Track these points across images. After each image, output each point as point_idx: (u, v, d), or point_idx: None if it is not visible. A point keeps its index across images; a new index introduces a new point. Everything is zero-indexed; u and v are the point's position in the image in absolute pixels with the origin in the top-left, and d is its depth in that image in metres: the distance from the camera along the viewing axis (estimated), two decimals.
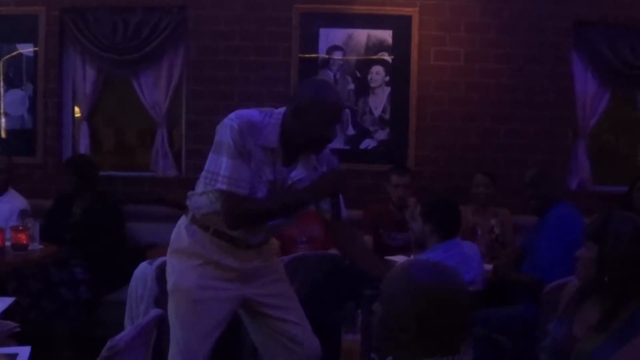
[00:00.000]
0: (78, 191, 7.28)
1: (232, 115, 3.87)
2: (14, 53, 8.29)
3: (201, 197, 4.01)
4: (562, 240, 5.60)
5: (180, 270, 4.06)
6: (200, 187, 4.06)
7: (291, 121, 3.89)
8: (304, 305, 4.50)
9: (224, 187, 3.77)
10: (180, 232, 4.11)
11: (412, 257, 6.07)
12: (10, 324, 3.60)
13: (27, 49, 8.26)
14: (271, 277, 4.25)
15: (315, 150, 4.03)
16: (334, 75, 7.94)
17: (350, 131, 7.98)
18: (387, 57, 7.96)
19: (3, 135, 8.38)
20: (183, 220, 4.15)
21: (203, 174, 3.96)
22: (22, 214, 6.75)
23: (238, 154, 3.77)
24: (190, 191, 4.15)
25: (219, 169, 3.79)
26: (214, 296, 4.03)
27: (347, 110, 7.92)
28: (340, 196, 4.09)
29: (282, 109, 3.97)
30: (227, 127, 3.80)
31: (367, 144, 8.02)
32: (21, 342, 3.54)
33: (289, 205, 3.99)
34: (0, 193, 7.10)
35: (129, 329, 2.82)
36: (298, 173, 4.03)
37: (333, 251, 6.74)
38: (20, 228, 6.31)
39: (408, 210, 6.99)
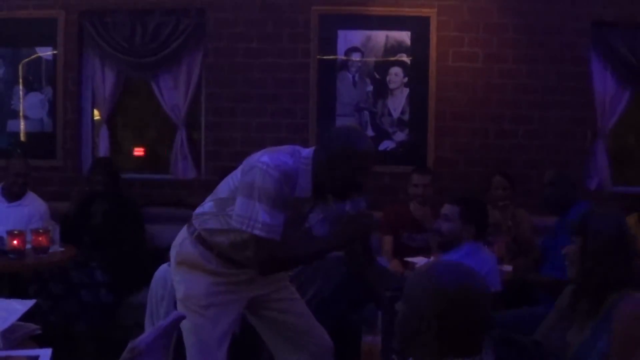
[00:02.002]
0: (101, 193, 7.31)
1: (266, 161, 3.81)
2: (34, 56, 8.32)
3: (214, 219, 4.03)
4: None
5: (188, 279, 4.07)
6: (211, 208, 4.06)
7: (323, 169, 3.89)
8: (324, 307, 4.52)
9: (262, 234, 3.74)
10: (185, 246, 4.11)
11: (432, 259, 6.07)
12: (31, 326, 3.62)
13: (46, 52, 8.29)
14: (275, 275, 4.26)
15: (344, 197, 4.03)
16: (353, 77, 7.94)
17: (369, 133, 7.95)
18: (406, 59, 7.96)
19: (23, 138, 8.42)
20: (187, 235, 4.13)
21: (226, 199, 3.96)
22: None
23: (278, 204, 3.76)
24: (198, 211, 4.14)
25: (257, 215, 3.74)
26: (223, 300, 4.05)
27: (366, 112, 7.94)
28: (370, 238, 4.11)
29: (309, 151, 3.96)
30: (266, 175, 3.76)
31: (386, 145, 8.02)
32: (42, 345, 3.55)
33: (319, 253, 4.05)
34: (19, 196, 7.12)
35: (149, 331, 2.82)
36: (315, 216, 4.08)
37: None
38: (41, 231, 6.33)
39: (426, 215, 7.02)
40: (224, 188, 4.02)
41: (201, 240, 4.05)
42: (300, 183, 3.87)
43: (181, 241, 4.15)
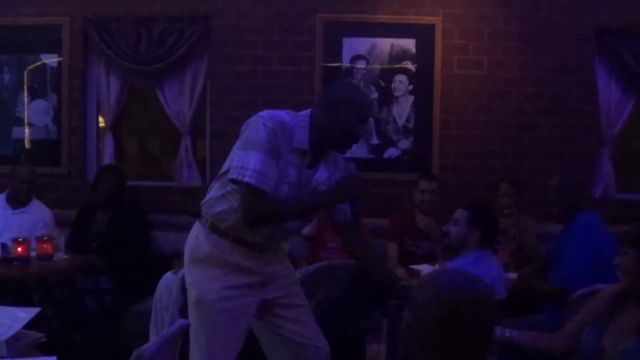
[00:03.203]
0: (107, 200, 7.33)
1: (263, 114, 3.88)
2: (38, 63, 8.33)
3: (220, 202, 4.01)
4: (586, 249, 5.59)
5: (202, 281, 4.03)
6: (217, 189, 4.06)
7: (322, 118, 3.93)
8: (330, 314, 4.51)
9: (252, 181, 3.73)
10: (199, 240, 4.07)
11: (437, 266, 6.07)
12: (36, 334, 3.62)
13: (51, 60, 8.30)
14: (285, 280, 4.26)
15: (342, 148, 4.07)
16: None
17: (375, 140, 7.98)
18: (411, 66, 7.96)
19: (28, 145, 8.42)
20: (199, 228, 4.11)
21: (225, 171, 3.96)
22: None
23: (270, 152, 3.77)
24: (204, 199, 4.14)
25: (249, 163, 3.75)
26: (236, 306, 4.01)
27: (371, 120, 7.92)
28: (360, 202, 4.11)
29: (306, 112, 4.01)
30: (260, 125, 3.80)
31: (391, 152, 8.02)
32: (46, 352, 3.55)
33: (309, 207, 4.01)
34: (24, 203, 7.12)
35: (154, 339, 2.82)
36: (321, 175, 4.07)
37: None
38: (45, 238, 6.33)
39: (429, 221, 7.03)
40: (225, 163, 4.02)
41: (214, 228, 4.03)
42: (297, 135, 3.90)
43: (195, 237, 4.11)
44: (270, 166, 3.78)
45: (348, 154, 7.09)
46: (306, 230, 7.04)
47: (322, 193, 3.99)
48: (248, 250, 4.03)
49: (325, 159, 4.11)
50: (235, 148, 3.93)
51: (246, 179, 3.74)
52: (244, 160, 3.78)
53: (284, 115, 3.95)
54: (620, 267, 3.45)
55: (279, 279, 4.20)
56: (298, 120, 3.95)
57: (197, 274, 4.06)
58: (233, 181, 3.84)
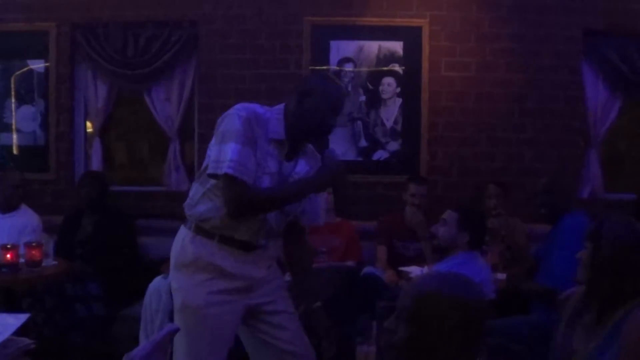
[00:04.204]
0: (89, 206, 7.33)
1: (237, 106, 3.89)
2: (25, 69, 8.33)
3: (202, 201, 3.98)
4: (574, 249, 5.58)
5: (187, 287, 3.98)
6: (197, 189, 4.04)
7: (295, 108, 3.95)
8: None
9: (230, 171, 3.70)
10: (185, 245, 4.02)
11: (426, 268, 6.08)
12: (26, 340, 3.60)
13: (38, 65, 8.30)
14: (272, 284, 4.20)
15: (317, 139, 4.11)
16: (346, 87, 7.95)
17: (363, 143, 7.99)
18: (398, 69, 7.98)
19: (15, 151, 8.41)
20: (185, 232, 4.06)
21: (204, 169, 3.95)
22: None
23: (247, 142, 3.76)
24: (187, 201, 4.10)
25: (225, 154, 3.73)
26: (223, 311, 3.96)
27: (359, 122, 7.95)
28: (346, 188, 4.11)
29: (281, 105, 4.03)
30: (234, 116, 3.81)
31: (379, 155, 8.03)
32: (36, 359, 3.54)
33: (293, 194, 3.95)
34: (12, 209, 7.11)
35: (144, 344, 2.82)
36: (301, 168, 4.08)
37: (349, 263, 6.77)
38: (34, 244, 6.32)
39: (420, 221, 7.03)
40: (204, 162, 4.00)
41: (199, 230, 3.98)
42: (273, 126, 3.92)
43: (180, 241, 4.06)
44: (248, 155, 3.76)
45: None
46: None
47: (306, 180, 3.98)
48: (234, 250, 3.98)
49: (304, 153, 4.13)
50: (211, 144, 3.91)
51: (224, 170, 3.72)
52: (221, 153, 3.77)
53: (258, 107, 3.96)
54: (580, 261, 3.48)
55: (266, 283, 4.15)
56: (273, 112, 3.97)
57: (182, 280, 4.02)
58: (211, 176, 3.83)
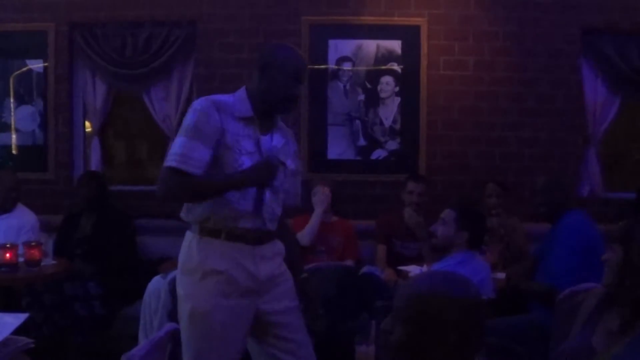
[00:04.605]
0: (88, 205, 7.33)
1: (195, 101, 3.95)
2: (24, 69, 8.32)
3: (198, 204, 3.98)
4: (574, 248, 5.59)
5: (194, 293, 3.93)
6: (198, 206, 4.02)
7: (259, 83, 3.98)
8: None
9: (173, 164, 3.76)
10: (191, 250, 3.99)
11: (424, 267, 6.07)
12: (25, 339, 3.60)
13: (37, 65, 8.29)
14: (284, 286, 4.15)
15: (283, 111, 4.11)
16: (344, 86, 7.95)
17: (361, 142, 7.99)
18: (397, 67, 7.97)
19: (14, 151, 8.40)
20: (191, 236, 4.03)
21: None
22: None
23: (196, 134, 3.79)
24: (181, 212, 4.11)
25: (174, 148, 3.81)
26: (232, 317, 3.90)
27: (358, 121, 7.95)
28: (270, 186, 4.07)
29: (241, 88, 4.08)
30: (189, 112, 3.87)
31: (378, 154, 8.02)
32: (35, 358, 3.54)
33: (225, 185, 3.90)
34: (9, 209, 7.11)
35: (143, 344, 2.82)
36: (278, 141, 4.10)
37: (347, 262, 6.77)
38: (33, 244, 6.32)
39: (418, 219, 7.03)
40: None
41: (204, 230, 3.96)
42: (239, 106, 3.95)
43: (187, 246, 4.03)
44: (195, 147, 3.78)
45: (337, 155, 7.14)
46: (306, 240, 7.03)
47: (237, 174, 3.90)
48: (242, 246, 3.95)
49: (278, 127, 4.14)
50: None
51: (167, 164, 3.79)
52: (171, 147, 3.86)
53: (218, 96, 4.01)
54: (607, 263, 3.43)
55: (277, 284, 4.10)
56: (235, 96, 4.02)
57: (190, 286, 3.96)
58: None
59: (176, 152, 3.78)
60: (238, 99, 3.99)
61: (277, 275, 4.12)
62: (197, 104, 3.89)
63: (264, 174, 3.94)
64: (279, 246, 4.18)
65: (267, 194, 4.01)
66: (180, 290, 4.04)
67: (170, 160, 3.78)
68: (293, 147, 4.26)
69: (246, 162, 3.89)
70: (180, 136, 3.82)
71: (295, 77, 4.00)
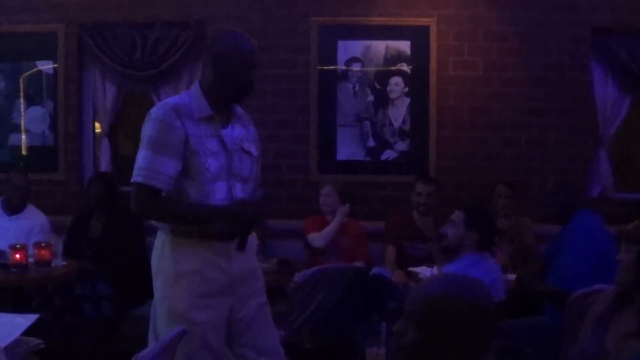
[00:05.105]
0: (98, 207, 7.33)
1: (153, 108, 3.95)
2: (34, 70, 8.34)
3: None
4: (585, 249, 5.57)
5: (170, 295, 3.95)
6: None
7: (214, 77, 3.95)
8: (328, 320, 4.48)
9: (139, 179, 3.79)
10: (164, 252, 4.00)
11: (435, 268, 6.06)
12: (35, 340, 3.60)
13: (46, 66, 8.32)
14: (257, 284, 4.17)
15: (241, 99, 4.08)
16: (353, 87, 7.95)
17: (371, 143, 7.98)
18: (406, 68, 7.96)
19: (24, 152, 8.43)
20: (164, 238, 4.03)
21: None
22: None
23: (159, 146, 3.79)
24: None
25: (138, 162, 3.82)
26: (210, 316, 3.93)
27: (367, 122, 7.95)
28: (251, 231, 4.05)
29: (194, 84, 4.06)
30: (148, 122, 3.87)
31: (388, 155, 8.01)
32: (45, 359, 3.54)
33: (191, 217, 3.93)
34: (18, 210, 7.13)
35: (153, 345, 2.82)
36: (239, 131, 4.08)
37: (357, 263, 6.76)
38: (43, 245, 6.32)
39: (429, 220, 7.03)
40: None
41: (177, 231, 3.96)
42: (196, 106, 3.92)
43: (160, 248, 4.03)
44: (161, 161, 3.78)
45: (346, 156, 7.13)
46: (319, 243, 7.03)
47: (215, 211, 3.91)
48: (215, 243, 3.94)
49: (236, 117, 4.12)
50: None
51: (133, 178, 3.82)
52: (136, 160, 3.86)
53: (174, 98, 4.03)
54: (622, 263, 3.41)
55: (249, 280, 4.10)
56: (191, 95, 3.99)
57: (165, 287, 3.99)
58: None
59: (142, 166, 3.80)
60: (194, 98, 3.96)
61: (249, 269, 4.13)
62: (157, 113, 3.88)
63: (248, 218, 3.90)
64: (251, 240, 4.13)
65: (238, 187, 4.01)
66: (157, 293, 4.06)
67: (137, 175, 3.81)
68: (253, 132, 4.24)
69: (212, 164, 3.89)
70: (144, 149, 3.83)
71: (248, 64, 3.98)
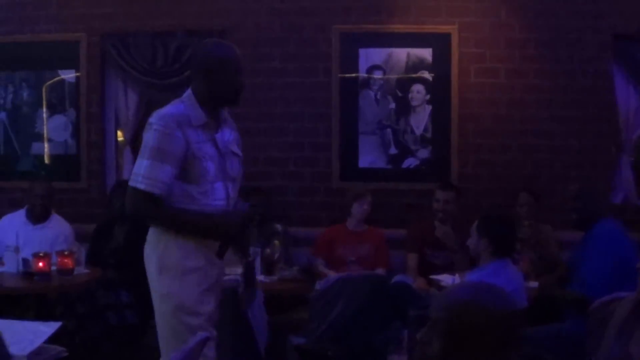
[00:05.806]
0: (121, 215, 7.34)
1: (153, 116, 4.05)
2: (56, 79, 8.38)
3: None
4: (607, 256, 5.56)
5: (180, 289, 4.04)
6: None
7: (206, 88, 4.15)
8: (351, 325, 4.49)
9: (141, 186, 3.93)
10: (169, 248, 4.10)
11: (457, 276, 6.05)
12: (57, 348, 3.63)
13: (69, 75, 8.35)
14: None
15: (236, 102, 4.28)
16: (375, 95, 7.95)
17: (393, 150, 7.97)
18: (428, 76, 7.95)
19: (47, 160, 8.46)
20: (165, 236, 4.13)
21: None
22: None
23: (159, 155, 3.92)
24: None
25: (139, 169, 3.95)
26: (210, 309, 4.11)
27: (389, 130, 7.94)
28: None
29: (187, 91, 4.23)
30: (150, 130, 3.99)
31: (410, 162, 8.00)
32: None
33: (185, 227, 4.08)
34: (44, 219, 7.15)
35: (175, 354, 2.83)
36: (229, 135, 4.29)
37: (379, 271, 6.76)
38: (66, 253, 6.35)
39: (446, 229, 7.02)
40: None
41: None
42: (193, 114, 4.07)
43: (163, 245, 4.13)
44: (161, 169, 3.93)
45: (368, 164, 7.13)
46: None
47: (209, 223, 4.08)
48: (212, 241, 4.12)
49: (224, 121, 4.30)
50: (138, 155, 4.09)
51: (133, 184, 3.98)
52: (137, 167, 4.00)
53: (171, 108, 4.10)
54: None
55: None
56: (185, 103, 4.14)
57: (172, 283, 4.07)
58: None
59: (143, 174, 3.94)
60: (190, 106, 4.12)
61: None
62: (157, 123, 3.99)
63: (232, 229, 4.13)
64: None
65: (230, 187, 4.22)
66: (162, 290, 4.14)
67: (137, 182, 3.96)
68: (237, 135, 4.42)
69: (210, 166, 4.07)
70: (145, 158, 3.96)
71: (237, 71, 4.22)
